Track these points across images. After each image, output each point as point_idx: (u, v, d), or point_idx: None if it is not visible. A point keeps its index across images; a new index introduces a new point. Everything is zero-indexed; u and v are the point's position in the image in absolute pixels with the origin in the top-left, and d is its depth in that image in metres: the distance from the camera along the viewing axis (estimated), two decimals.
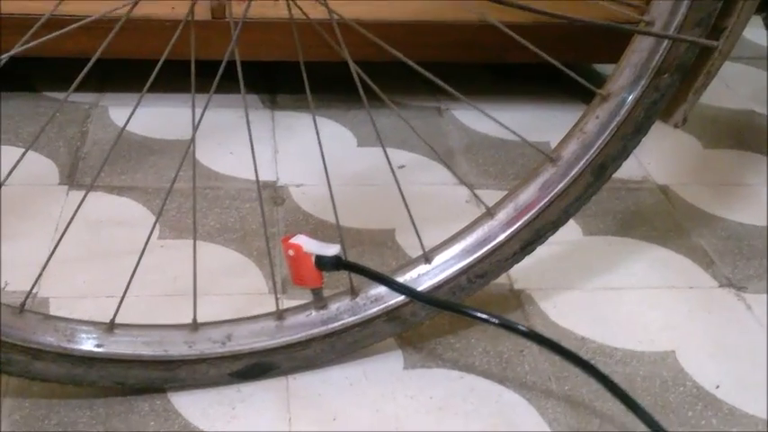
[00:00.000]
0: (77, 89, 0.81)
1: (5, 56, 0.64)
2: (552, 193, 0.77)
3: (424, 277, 0.77)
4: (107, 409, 0.73)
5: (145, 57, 1.02)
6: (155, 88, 0.73)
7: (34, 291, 0.82)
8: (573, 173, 0.76)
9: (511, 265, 0.80)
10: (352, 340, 0.77)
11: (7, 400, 0.73)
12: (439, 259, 0.78)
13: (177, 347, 0.73)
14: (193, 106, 0.70)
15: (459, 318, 0.84)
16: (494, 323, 0.73)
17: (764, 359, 0.83)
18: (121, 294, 0.71)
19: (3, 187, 0.75)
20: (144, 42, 1.07)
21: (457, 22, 1.14)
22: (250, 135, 0.72)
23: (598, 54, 1.19)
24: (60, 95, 1.18)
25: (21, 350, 0.69)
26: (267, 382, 0.76)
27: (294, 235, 0.74)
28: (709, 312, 0.89)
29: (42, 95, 1.18)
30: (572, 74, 0.72)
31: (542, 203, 0.77)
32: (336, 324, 0.76)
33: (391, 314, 0.77)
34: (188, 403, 0.74)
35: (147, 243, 0.71)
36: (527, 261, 0.81)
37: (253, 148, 0.72)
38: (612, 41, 1.03)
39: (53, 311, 0.81)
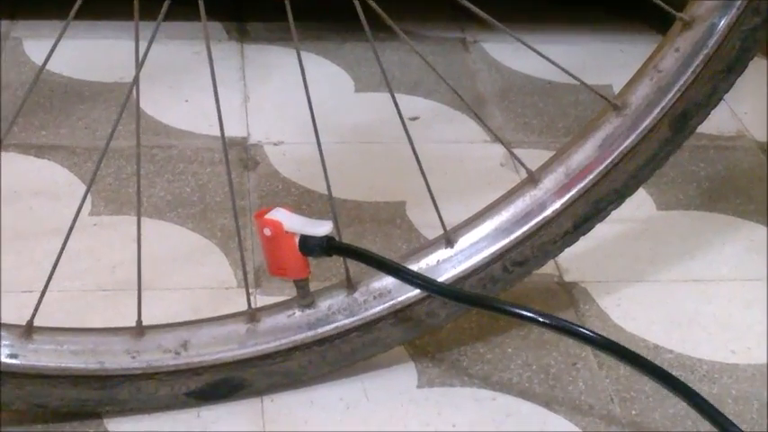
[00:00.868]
0: None
1: None
2: (616, 153, 0.76)
3: (445, 265, 0.77)
4: None
5: None
6: (84, 14, 0.72)
7: None
8: (644, 125, 0.76)
9: (560, 250, 0.79)
10: (349, 349, 0.77)
11: None
12: (464, 241, 0.78)
13: (116, 359, 0.73)
14: (137, 37, 0.70)
15: (492, 319, 0.84)
16: (542, 324, 0.73)
17: None
18: (42, 288, 0.71)
19: None
20: None
21: None
22: (213, 76, 0.71)
23: None
24: None
25: None
26: (236, 405, 0.76)
27: (271, 209, 0.74)
28: None
29: None
30: None
31: (603, 166, 0.77)
32: (328, 327, 0.76)
33: (401, 314, 0.77)
34: None
35: (74, 220, 0.71)
36: (582, 244, 0.80)
37: (217, 94, 0.72)
38: None
39: None
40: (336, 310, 0.76)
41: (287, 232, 0.73)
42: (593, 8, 1.31)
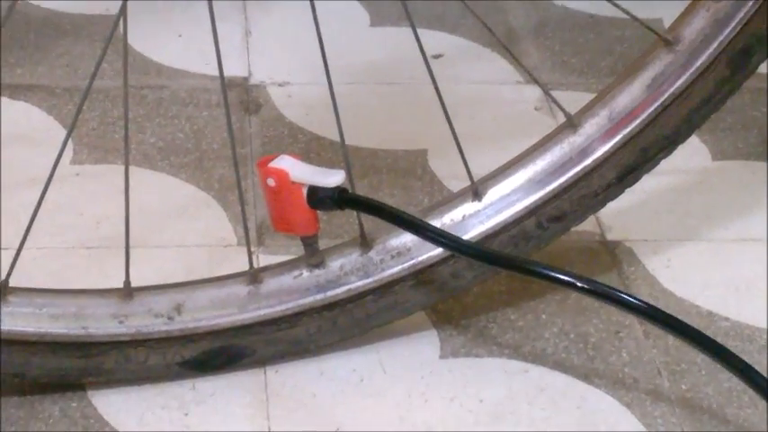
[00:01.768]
0: None
1: None
2: (667, 95, 0.76)
3: (472, 220, 0.77)
4: None
5: None
6: None
7: None
8: (698, 63, 0.76)
9: (602, 204, 0.80)
10: (364, 315, 0.78)
11: None
12: (494, 194, 0.78)
13: (102, 323, 0.73)
14: None
15: (525, 282, 0.84)
16: (581, 290, 0.73)
17: None
18: (18, 245, 0.71)
19: None
20: None
21: None
22: (211, 7, 0.71)
23: None
24: None
25: None
26: (236, 377, 0.77)
27: (276, 156, 0.74)
28: None
29: None
30: None
31: (651, 109, 0.77)
32: (339, 290, 0.76)
33: (421, 276, 0.77)
34: (118, 406, 0.74)
35: (54, 169, 0.71)
36: (627, 198, 0.81)
37: (214, 27, 0.72)
38: None
39: None
40: (349, 271, 0.77)
41: (293, 183, 0.73)
42: None
